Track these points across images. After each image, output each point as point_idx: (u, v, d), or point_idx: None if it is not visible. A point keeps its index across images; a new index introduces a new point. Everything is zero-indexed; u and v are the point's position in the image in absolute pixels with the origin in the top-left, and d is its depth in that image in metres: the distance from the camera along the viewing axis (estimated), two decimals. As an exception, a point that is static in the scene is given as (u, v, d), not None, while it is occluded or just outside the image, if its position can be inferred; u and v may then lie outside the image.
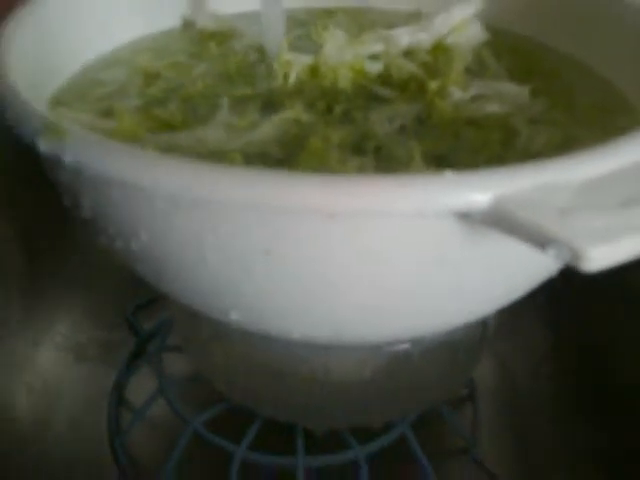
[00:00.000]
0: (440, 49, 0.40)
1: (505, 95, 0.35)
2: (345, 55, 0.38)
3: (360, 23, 0.45)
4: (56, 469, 0.44)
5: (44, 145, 0.23)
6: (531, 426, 0.49)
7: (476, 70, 0.40)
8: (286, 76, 0.37)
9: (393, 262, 0.24)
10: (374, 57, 0.39)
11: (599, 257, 0.20)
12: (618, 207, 0.21)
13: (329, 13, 0.49)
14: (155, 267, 0.28)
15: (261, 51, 0.42)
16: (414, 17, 0.48)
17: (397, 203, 0.21)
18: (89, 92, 0.37)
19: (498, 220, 0.21)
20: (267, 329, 0.29)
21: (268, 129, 0.32)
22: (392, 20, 0.48)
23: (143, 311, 0.52)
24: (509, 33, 0.46)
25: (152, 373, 0.47)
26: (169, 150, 0.30)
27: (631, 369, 0.48)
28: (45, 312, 0.50)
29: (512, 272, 0.28)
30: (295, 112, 0.33)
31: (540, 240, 0.20)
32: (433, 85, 0.35)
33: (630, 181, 0.23)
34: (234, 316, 0.28)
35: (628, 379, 0.48)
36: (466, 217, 0.22)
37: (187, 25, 0.47)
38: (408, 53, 0.40)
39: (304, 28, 0.46)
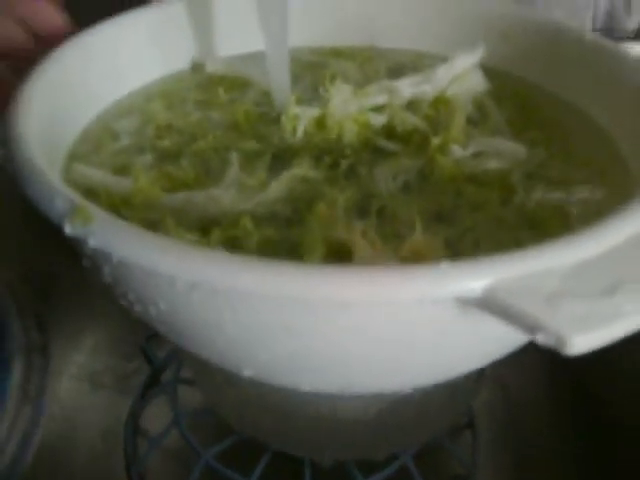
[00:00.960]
0: (442, 102, 0.41)
1: (503, 152, 0.37)
2: (350, 108, 0.40)
3: (365, 72, 0.46)
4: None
5: (70, 229, 0.25)
6: (530, 451, 0.50)
7: (477, 119, 0.42)
8: (294, 130, 0.39)
9: (398, 337, 0.26)
10: (378, 109, 0.41)
11: (581, 344, 0.22)
12: (600, 294, 0.23)
13: (335, 54, 0.51)
14: (172, 329, 0.30)
15: (269, 98, 0.43)
16: (417, 56, 0.50)
17: (398, 294, 0.23)
18: (104, 144, 0.39)
19: (490, 306, 0.23)
20: (278, 383, 0.31)
21: (277, 189, 0.33)
22: (396, 59, 0.50)
23: (157, 339, 0.54)
24: (511, 76, 0.47)
25: (167, 400, 0.49)
26: (185, 211, 0.32)
27: (628, 396, 0.49)
28: (63, 342, 0.52)
29: (507, 338, 0.29)
30: (302, 169, 0.35)
31: (528, 326, 0.22)
32: (435, 142, 0.37)
33: (614, 264, 0.24)
34: (247, 373, 0.30)
35: (625, 406, 0.49)
36: (462, 301, 0.23)
37: (196, 67, 0.49)
38: (411, 104, 0.41)
39: (311, 73, 0.47)
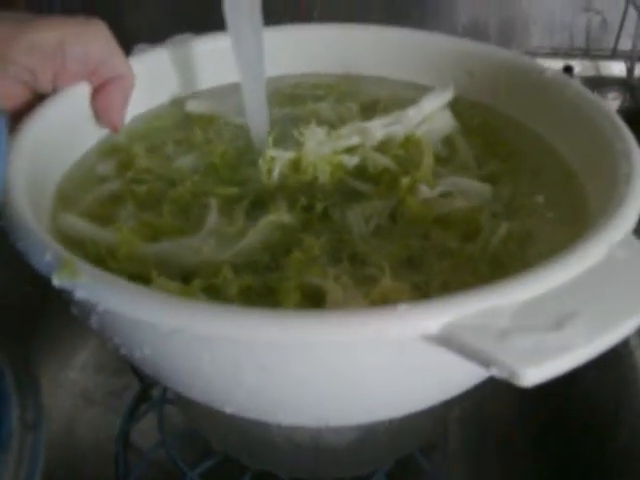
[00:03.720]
0: (411, 142, 0.43)
1: (470, 191, 0.39)
2: (324, 149, 0.41)
3: (338, 111, 0.48)
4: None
5: (58, 281, 0.27)
6: (503, 467, 0.51)
7: (446, 157, 0.44)
8: (270, 172, 0.41)
9: (367, 372, 0.28)
10: (351, 149, 0.43)
11: (533, 376, 0.24)
12: (550, 328, 0.25)
13: (313, 87, 0.53)
14: (156, 371, 0.32)
15: (245, 133, 0.45)
16: (392, 86, 0.52)
17: (361, 335, 0.24)
18: (88, 189, 0.41)
19: (448, 343, 0.25)
20: (258, 419, 0.33)
21: (254, 237, 0.35)
22: (370, 93, 0.52)
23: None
24: (479, 107, 0.49)
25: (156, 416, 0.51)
26: (167, 261, 0.34)
27: (605, 414, 0.50)
28: (55, 360, 0.54)
29: (469, 372, 0.31)
30: (278, 216, 0.37)
31: (483, 361, 0.24)
32: (404, 182, 0.39)
33: (563, 299, 0.26)
34: (228, 410, 0.32)
35: (602, 425, 0.50)
36: (421, 339, 0.25)
37: (176, 102, 0.51)
38: (383, 144, 0.43)
39: (289, 108, 0.49)
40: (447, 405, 0.44)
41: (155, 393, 0.53)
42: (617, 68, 0.75)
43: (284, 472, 0.45)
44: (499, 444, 0.52)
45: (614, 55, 0.75)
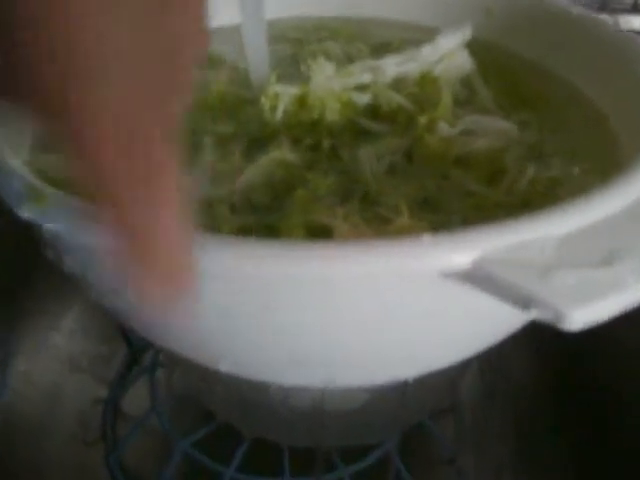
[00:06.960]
0: (428, 80, 0.39)
1: (493, 130, 0.35)
2: (333, 86, 0.38)
3: (348, 51, 0.44)
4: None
5: (25, 212, 0.23)
6: (515, 434, 0.48)
7: (464, 98, 0.40)
8: (273, 109, 0.37)
9: (384, 316, 0.24)
10: (362, 88, 0.39)
11: (581, 318, 0.20)
12: (599, 263, 0.21)
13: (318, 28, 0.49)
14: (143, 322, 0.28)
15: (242, 75, 0.41)
16: (403, 29, 0.48)
17: (379, 268, 0.21)
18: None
19: (479, 280, 0.21)
20: (258, 378, 0.29)
21: (254, 174, 0.31)
22: (381, 37, 0.48)
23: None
24: (497, 49, 0.46)
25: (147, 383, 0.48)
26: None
27: (614, 379, 0.48)
28: (41, 324, 0.51)
29: (498, 320, 0.28)
30: (281, 153, 0.33)
31: (521, 301, 0.20)
32: (422, 120, 0.35)
33: (610, 233, 0.23)
34: (223, 367, 0.28)
35: (610, 388, 0.47)
36: (449, 276, 0.22)
37: None
38: (396, 83, 0.39)
39: (293, 50, 0.46)
40: (460, 368, 0.41)
41: (146, 359, 0.49)
42: (637, 22, 0.72)
43: (284, 440, 0.42)
44: (511, 410, 0.49)
45: (635, 9, 0.72)
